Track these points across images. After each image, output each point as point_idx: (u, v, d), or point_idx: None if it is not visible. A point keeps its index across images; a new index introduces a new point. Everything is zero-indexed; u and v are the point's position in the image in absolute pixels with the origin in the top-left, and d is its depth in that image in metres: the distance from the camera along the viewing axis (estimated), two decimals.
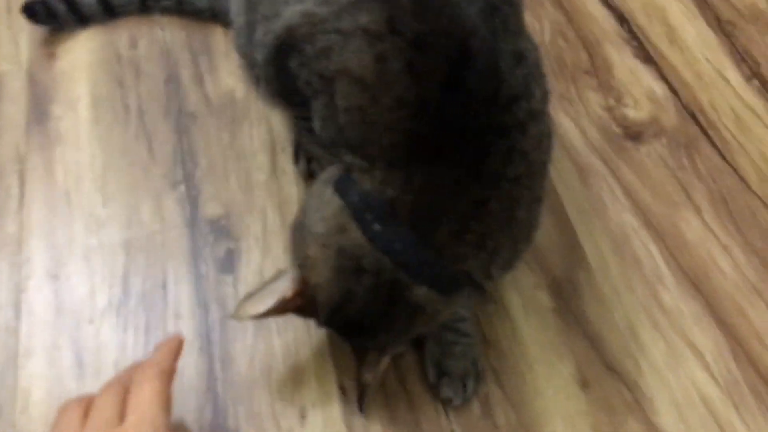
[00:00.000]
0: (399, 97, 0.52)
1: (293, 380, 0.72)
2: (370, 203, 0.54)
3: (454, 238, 0.55)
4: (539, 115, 0.57)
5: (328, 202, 0.56)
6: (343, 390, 0.71)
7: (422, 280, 0.55)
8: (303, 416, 0.70)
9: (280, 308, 0.59)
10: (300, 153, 0.84)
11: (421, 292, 0.56)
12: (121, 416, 0.52)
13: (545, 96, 0.59)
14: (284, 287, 0.59)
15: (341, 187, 0.56)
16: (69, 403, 0.53)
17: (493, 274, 0.59)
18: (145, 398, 0.51)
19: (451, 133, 0.52)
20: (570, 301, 0.78)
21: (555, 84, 0.95)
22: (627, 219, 0.84)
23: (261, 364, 0.73)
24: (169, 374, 0.57)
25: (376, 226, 0.54)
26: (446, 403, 0.71)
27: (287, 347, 0.74)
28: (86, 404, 0.53)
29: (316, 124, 0.59)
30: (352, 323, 0.59)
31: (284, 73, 0.60)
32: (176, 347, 0.61)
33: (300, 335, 0.74)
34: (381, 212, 0.54)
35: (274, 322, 0.75)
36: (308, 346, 0.74)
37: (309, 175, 0.83)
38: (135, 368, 0.59)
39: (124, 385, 0.54)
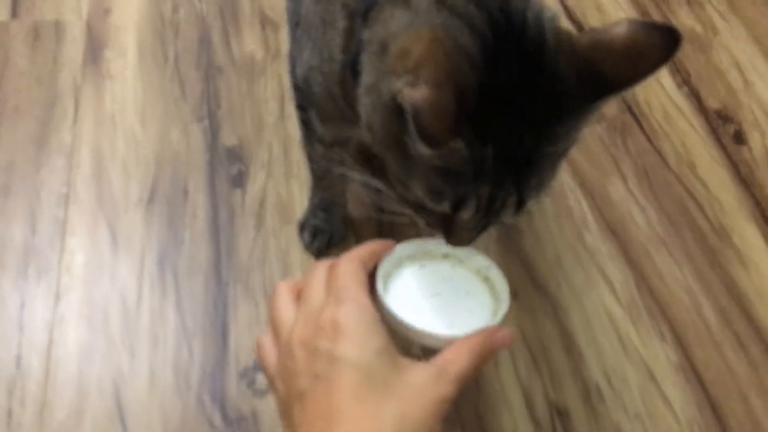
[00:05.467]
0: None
1: (283, 271, 0.90)
2: None
3: None
4: None
5: None
6: None
7: None
8: None
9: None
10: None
11: None
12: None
13: None
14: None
15: None
16: (281, 287, 0.54)
17: None
18: (341, 273, 0.52)
19: None
20: (510, 234, 0.97)
21: None
22: (565, 179, 1.03)
23: (258, 256, 0.91)
24: (364, 261, 0.55)
25: None
26: None
27: (280, 247, 0.92)
28: (295, 286, 0.54)
29: None
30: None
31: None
32: (379, 247, 0.57)
33: (292, 238, 0.93)
34: None
35: (271, 227, 0.93)
36: (298, 248, 0.92)
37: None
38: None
39: (327, 268, 0.54)
